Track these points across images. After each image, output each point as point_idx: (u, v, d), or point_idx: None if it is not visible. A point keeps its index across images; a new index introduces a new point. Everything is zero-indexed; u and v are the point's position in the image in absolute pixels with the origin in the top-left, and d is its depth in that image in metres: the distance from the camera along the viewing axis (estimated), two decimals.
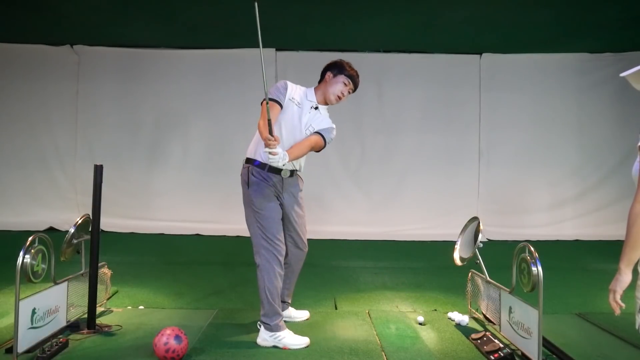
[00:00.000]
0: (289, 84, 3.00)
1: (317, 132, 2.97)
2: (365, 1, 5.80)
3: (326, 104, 3.08)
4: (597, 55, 7.20)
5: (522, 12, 5.90)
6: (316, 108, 3.02)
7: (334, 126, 3.08)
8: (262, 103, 2.89)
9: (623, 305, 1.85)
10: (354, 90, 3.11)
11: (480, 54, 7.35)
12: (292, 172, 3.02)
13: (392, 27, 6.50)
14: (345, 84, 3.02)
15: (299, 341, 2.82)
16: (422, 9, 5.88)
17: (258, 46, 2.71)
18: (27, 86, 7.25)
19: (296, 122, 2.95)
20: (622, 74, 1.81)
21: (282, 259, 2.93)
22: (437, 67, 7.38)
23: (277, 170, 2.89)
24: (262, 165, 2.94)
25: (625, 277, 1.81)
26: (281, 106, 2.91)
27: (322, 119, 3.03)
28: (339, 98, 3.03)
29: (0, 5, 5.87)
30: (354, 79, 3.06)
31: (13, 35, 7.04)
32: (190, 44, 7.18)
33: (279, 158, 2.64)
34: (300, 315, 3.35)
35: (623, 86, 7.05)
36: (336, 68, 3.05)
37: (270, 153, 2.62)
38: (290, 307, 3.33)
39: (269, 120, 2.60)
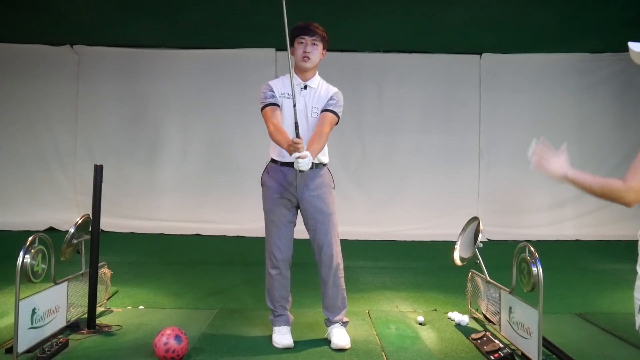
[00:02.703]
0: (271, 82, 2.88)
1: (325, 110, 2.81)
2: (365, 1, 5.80)
3: (308, 76, 2.86)
4: (597, 55, 7.20)
5: (522, 12, 5.90)
6: (305, 87, 2.85)
7: (336, 89, 2.89)
8: (262, 111, 2.83)
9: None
10: (320, 39, 2.83)
11: (480, 54, 7.34)
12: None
13: (392, 27, 6.49)
14: (301, 42, 2.81)
15: (280, 341, 2.83)
16: (422, 9, 5.88)
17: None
18: (27, 86, 7.24)
19: (298, 114, 2.72)
20: (630, 44, 1.73)
21: (277, 261, 2.89)
22: (437, 67, 7.37)
23: (292, 164, 2.64)
24: (275, 161, 2.89)
25: (562, 169, 1.78)
26: (279, 106, 2.83)
27: (319, 94, 2.85)
28: (306, 58, 2.78)
29: (0, 5, 5.87)
30: (305, 30, 2.82)
31: (13, 35, 7.03)
32: (190, 44, 7.18)
33: (309, 160, 2.52)
34: (337, 341, 2.80)
35: (623, 86, 7.11)
36: (290, 40, 2.84)
37: (299, 157, 2.48)
38: (333, 327, 2.90)
39: (296, 123, 2.54)
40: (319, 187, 2.88)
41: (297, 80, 2.85)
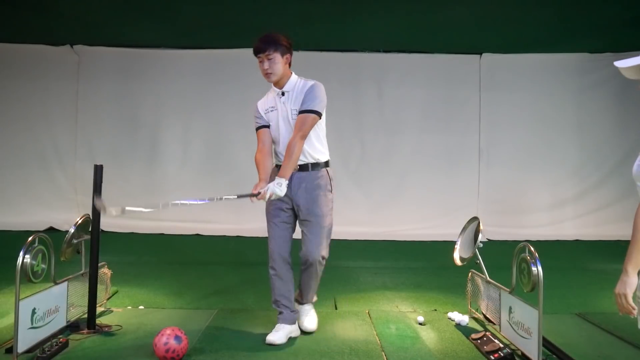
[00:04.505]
0: (258, 103, 3.01)
1: (300, 112, 2.82)
2: (365, 1, 5.80)
3: (282, 83, 2.90)
4: (597, 55, 7.19)
5: (522, 12, 5.91)
6: (283, 94, 2.91)
7: (312, 83, 2.88)
8: (257, 131, 2.97)
9: (636, 307, 1.79)
10: (274, 49, 2.81)
11: (480, 54, 7.33)
12: (302, 167, 2.89)
13: (392, 27, 6.49)
14: (260, 61, 2.85)
15: (268, 337, 2.85)
16: (422, 9, 5.89)
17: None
18: (27, 86, 7.23)
19: (282, 122, 2.91)
20: (616, 63, 1.79)
21: (273, 262, 2.97)
22: (437, 67, 7.37)
23: None
24: (277, 165, 2.97)
25: (632, 279, 1.76)
26: (268, 126, 2.95)
27: (296, 95, 2.88)
28: (267, 75, 2.85)
29: (0, 5, 5.87)
30: (257, 50, 2.83)
31: (13, 35, 7.03)
32: (190, 44, 7.18)
33: (277, 191, 2.70)
34: (309, 325, 3.07)
35: (623, 86, 7.11)
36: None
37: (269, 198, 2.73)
38: (304, 306, 3.12)
39: (253, 194, 2.73)
40: (315, 189, 2.92)
41: (276, 90, 2.94)
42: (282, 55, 2.85)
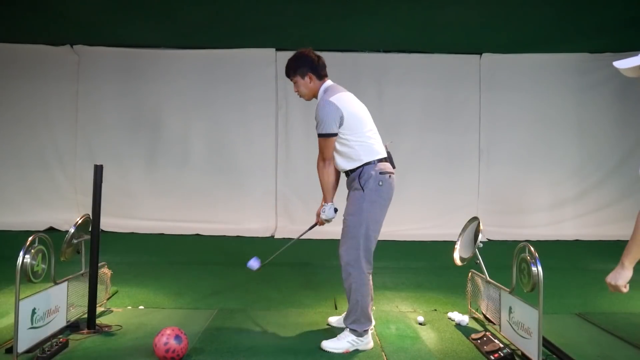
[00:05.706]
0: None
1: None
2: (365, 1, 5.80)
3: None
4: (597, 55, 7.19)
5: (522, 11, 5.91)
6: None
7: (318, 103, 2.88)
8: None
9: (627, 286, 1.90)
10: (293, 73, 2.96)
11: (480, 54, 7.33)
12: (346, 173, 2.96)
13: (392, 27, 6.50)
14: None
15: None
16: (423, 9, 5.89)
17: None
18: (27, 86, 7.23)
19: None
20: (615, 63, 1.86)
21: None
22: (437, 67, 7.36)
23: (347, 171, 2.95)
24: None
25: (627, 272, 1.87)
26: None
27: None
28: (301, 97, 3.02)
29: (0, 5, 5.87)
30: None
31: (13, 35, 7.03)
32: (190, 44, 7.17)
33: (323, 217, 3.00)
34: (324, 343, 2.83)
35: (623, 86, 7.10)
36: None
37: (327, 221, 3.06)
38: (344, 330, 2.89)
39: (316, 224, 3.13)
40: (350, 190, 2.98)
41: None
42: (303, 76, 2.93)
